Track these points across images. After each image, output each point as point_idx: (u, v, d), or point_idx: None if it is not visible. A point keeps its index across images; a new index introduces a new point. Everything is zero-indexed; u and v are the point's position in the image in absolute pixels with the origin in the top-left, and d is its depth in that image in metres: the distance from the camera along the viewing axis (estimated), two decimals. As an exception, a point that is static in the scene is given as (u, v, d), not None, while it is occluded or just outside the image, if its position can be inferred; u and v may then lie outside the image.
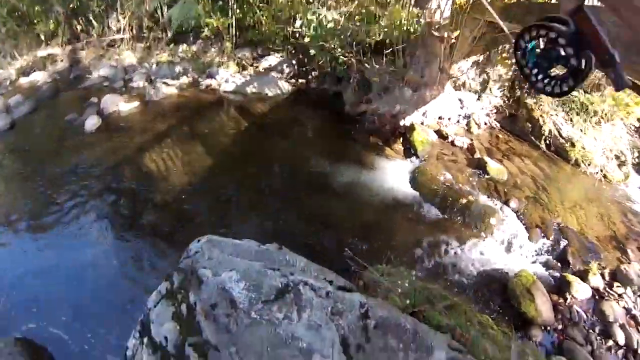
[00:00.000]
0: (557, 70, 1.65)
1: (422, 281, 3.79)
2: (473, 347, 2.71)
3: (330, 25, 7.23)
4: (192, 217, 4.94)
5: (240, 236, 4.49)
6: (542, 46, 1.65)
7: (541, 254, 4.78)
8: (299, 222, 4.88)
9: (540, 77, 1.69)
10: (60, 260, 4.49)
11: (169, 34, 9.39)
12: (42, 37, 10.33)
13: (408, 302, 3.01)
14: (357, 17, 7.40)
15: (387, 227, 4.91)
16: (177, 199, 5.21)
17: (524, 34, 1.70)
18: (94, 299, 4.01)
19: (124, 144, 6.41)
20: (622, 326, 4.07)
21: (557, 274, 4.52)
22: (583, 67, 1.50)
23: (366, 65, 7.07)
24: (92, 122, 6.93)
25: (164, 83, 8.47)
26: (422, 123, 6.84)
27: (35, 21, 10.50)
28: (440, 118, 7.10)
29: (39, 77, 9.19)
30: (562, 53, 1.56)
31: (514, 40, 1.74)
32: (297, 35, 8.45)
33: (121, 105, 7.57)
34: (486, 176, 5.80)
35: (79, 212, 5.11)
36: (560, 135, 6.65)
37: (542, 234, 4.92)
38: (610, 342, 3.93)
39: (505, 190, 5.56)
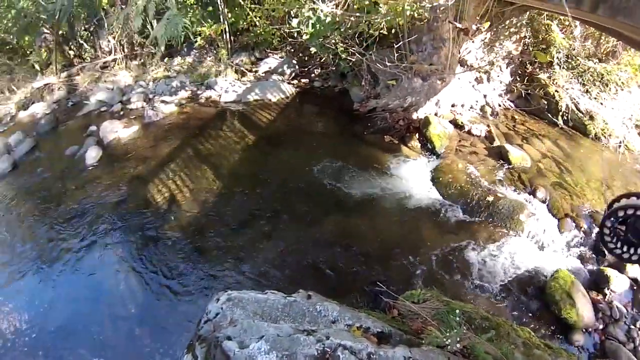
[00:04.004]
0: None
1: (459, 301, 3.58)
2: (520, 377, 2.60)
3: (329, 19, 6.84)
4: (206, 253, 4.64)
5: (259, 275, 4.30)
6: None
7: (574, 246, 4.53)
8: (321, 249, 4.54)
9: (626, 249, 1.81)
10: (68, 306, 4.31)
11: (162, 49, 9.07)
12: (37, 67, 10.08)
13: (448, 333, 2.72)
14: (355, 6, 6.99)
15: (413, 240, 4.59)
16: (188, 234, 4.92)
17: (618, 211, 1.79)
18: (109, 352, 3.79)
19: (126, 175, 6.11)
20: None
21: (594, 268, 4.31)
22: None
23: (373, 57, 6.64)
24: (92, 155, 6.66)
25: (163, 101, 8.16)
26: (436, 114, 6.47)
27: (28, 52, 10.26)
28: (453, 106, 6.73)
29: (38, 109, 8.93)
30: None
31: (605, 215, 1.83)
32: (295, 33, 8.08)
33: (120, 132, 7.28)
34: (508, 166, 5.54)
35: (86, 256, 4.86)
36: (578, 109, 6.38)
37: (573, 223, 4.68)
38: (652, 336, 3.76)
39: (530, 178, 5.30)
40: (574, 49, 6.76)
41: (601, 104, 6.36)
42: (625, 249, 1.77)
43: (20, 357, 3.86)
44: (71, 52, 10.52)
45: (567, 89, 6.47)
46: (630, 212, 1.73)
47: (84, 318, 4.12)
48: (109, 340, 3.88)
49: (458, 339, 2.69)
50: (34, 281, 4.66)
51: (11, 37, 10.04)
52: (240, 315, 2.44)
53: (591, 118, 6.23)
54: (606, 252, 2.01)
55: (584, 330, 3.75)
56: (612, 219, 1.78)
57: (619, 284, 4.06)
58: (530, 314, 3.87)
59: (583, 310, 3.75)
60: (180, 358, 2.53)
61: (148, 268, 4.55)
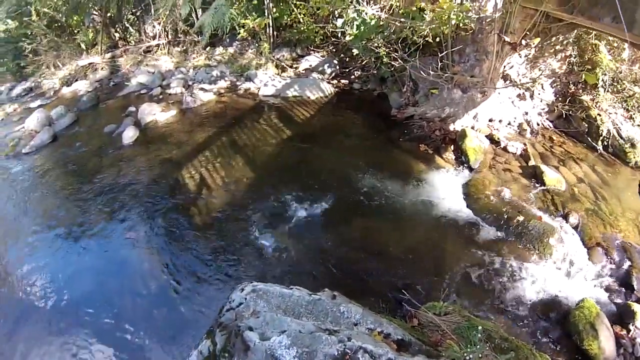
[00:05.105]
0: None
1: (479, 318, 3.54)
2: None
3: (373, 22, 6.80)
4: (230, 242, 4.68)
5: (283, 270, 4.31)
6: None
7: (603, 276, 4.35)
8: (347, 249, 4.52)
9: None
10: (92, 276, 4.48)
11: (205, 37, 9.24)
12: (83, 47, 10.42)
13: (469, 349, 2.67)
14: (400, 11, 6.93)
15: (439, 251, 4.52)
16: (215, 221, 4.98)
17: None
18: (127, 326, 3.90)
19: (160, 157, 6.26)
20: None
21: (620, 301, 4.12)
22: None
23: (416, 64, 6.55)
24: (129, 134, 6.84)
25: (201, 89, 8.30)
26: (472, 127, 6.34)
27: (75, 31, 10.60)
28: (491, 120, 6.57)
29: (81, 86, 9.28)
30: None
31: None
32: (338, 33, 8.07)
33: (158, 115, 7.46)
34: (542, 187, 5.35)
35: (114, 231, 5.01)
36: (620, 136, 6.13)
37: (604, 253, 4.49)
38: (674, 379, 3.58)
39: (563, 202, 5.13)
40: (621, 72, 6.52)
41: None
42: None
43: (42, 317, 4.04)
44: (117, 35, 10.85)
45: (610, 113, 6.25)
46: None
47: (105, 289, 4.26)
48: (127, 314, 3.99)
49: (480, 356, 2.64)
50: (62, 249, 4.84)
51: (60, 15, 10.35)
52: (264, 308, 2.45)
53: (632, 146, 5.97)
54: None
55: (603, 364, 3.63)
56: None
57: (644, 321, 3.91)
58: (551, 341, 3.75)
59: (605, 343, 3.60)
60: (199, 343, 2.55)
61: (172, 251, 4.63)
